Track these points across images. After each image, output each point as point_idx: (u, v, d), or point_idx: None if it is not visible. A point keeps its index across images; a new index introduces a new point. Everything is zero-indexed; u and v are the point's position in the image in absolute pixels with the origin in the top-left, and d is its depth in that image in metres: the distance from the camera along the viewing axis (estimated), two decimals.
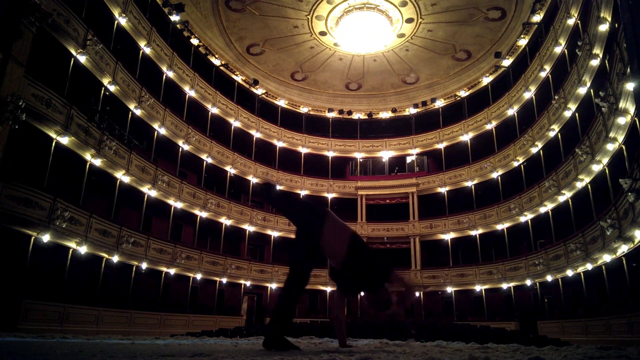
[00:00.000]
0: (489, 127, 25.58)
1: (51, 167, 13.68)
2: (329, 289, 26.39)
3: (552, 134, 19.96)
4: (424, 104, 29.49)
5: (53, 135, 13.73)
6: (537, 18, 22.01)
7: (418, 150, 29.05)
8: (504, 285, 22.90)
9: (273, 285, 25.19)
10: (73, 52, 14.78)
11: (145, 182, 18.50)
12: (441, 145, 27.97)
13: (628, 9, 2.45)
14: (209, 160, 23.57)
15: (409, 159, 29.95)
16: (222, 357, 2.82)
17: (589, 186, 16.78)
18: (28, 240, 12.92)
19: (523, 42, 23.70)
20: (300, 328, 18.12)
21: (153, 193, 19.26)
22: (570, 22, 18.00)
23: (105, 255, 16.37)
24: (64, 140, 14.10)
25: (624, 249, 14.14)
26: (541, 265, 19.90)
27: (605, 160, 15.21)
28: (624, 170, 13.13)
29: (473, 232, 24.89)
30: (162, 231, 20.32)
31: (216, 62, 25.57)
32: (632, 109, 12.39)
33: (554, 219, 19.91)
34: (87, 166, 15.55)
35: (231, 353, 3.36)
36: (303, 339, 10.32)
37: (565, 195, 18.55)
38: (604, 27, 14.08)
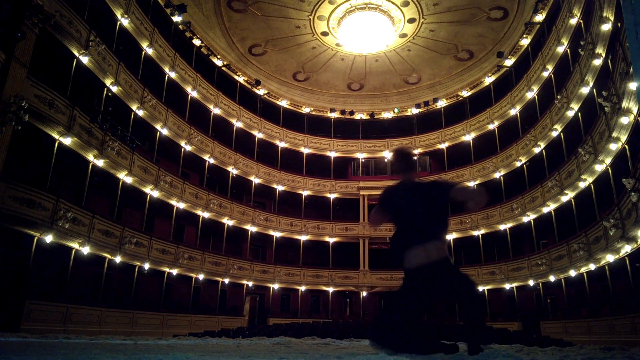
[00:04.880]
0: (491, 127, 25.53)
1: (54, 168, 13.72)
2: (331, 289, 26.39)
3: (554, 133, 19.91)
4: (426, 104, 29.45)
5: (56, 136, 13.76)
6: (539, 18, 21.96)
7: (420, 150, 29.00)
8: (507, 286, 22.85)
9: (275, 286, 25.20)
10: (75, 53, 14.81)
11: (147, 182, 18.53)
12: (443, 146, 27.93)
13: (630, 8, 2.43)
14: (211, 161, 23.59)
15: None
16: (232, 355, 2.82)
17: (592, 186, 16.73)
18: (31, 241, 12.95)
19: (525, 41, 23.65)
20: (303, 328, 18.15)
21: (155, 193, 19.29)
22: (573, 21, 17.95)
23: (108, 256, 16.39)
24: (67, 141, 14.13)
25: (627, 249, 14.09)
26: (544, 265, 19.85)
27: (608, 160, 15.16)
28: (627, 170, 13.09)
29: (475, 233, 24.84)
30: (164, 232, 20.34)
31: (218, 62, 25.60)
32: (635, 108, 12.35)
33: (556, 219, 19.85)
34: (90, 167, 15.58)
35: (234, 353, 3.36)
36: (306, 340, 10.32)
37: (568, 195, 18.50)
38: (606, 27, 14.03)
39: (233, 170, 24.85)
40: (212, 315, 21.63)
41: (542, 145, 21.05)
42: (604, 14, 13.77)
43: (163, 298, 19.24)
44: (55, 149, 13.79)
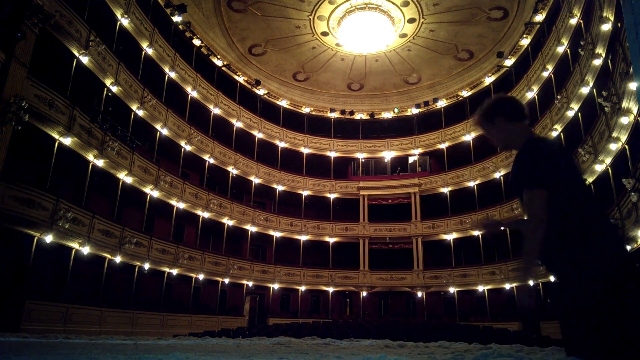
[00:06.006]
0: None
1: (54, 168, 13.72)
2: (331, 289, 26.39)
3: (554, 133, 19.89)
4: (426, 104, 29.45)
5: (56, 136, 13.76)
6: (539, 18, 21.96)
7: (420, 150, 29.01)
8: (507, 286, 22.84)
9: (275, 286, 25.19)
10: (75, 53, 14.81)
11: (147, 182, 18.52)
12: (443, 146, 27.92)
13: (630, 8, 2.43)
14: (211, 161, 23.58)
15: (411, 159, 29.91)
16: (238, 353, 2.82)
17: (592, 186, 16.70)
18: (31, 241, 12.95)
19: (525, 41, 23.64)
20: (303, 328, 18.15)
21: (155, 193, 19.28)
22: (573, 21, 17.95)
23: (108, 256, 16.39)
24: (67, 141, 14.13)
25: (627, 249, 14.07)
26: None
27: (608, 160, 15.16)
28: (627, 170, 13.09)
29: (476, 233, 24.83)
30: (164, 232, 20.34)
31: (218, 62, 25.59)
32: (635, 108, 12.35)
33: None
34: (90, 167, 15.57)
35: (234, 353, 3.36)
36: (306, 340, 10.32)
37: None
38: (606, 27, 14.03)
39: (233, 170, 24.84)
40: (212, 315, 21.62)
41: None
42: (604, 14, 13.77)
43: (163, 298, 19.24)
44: (55, 149, 13.78)
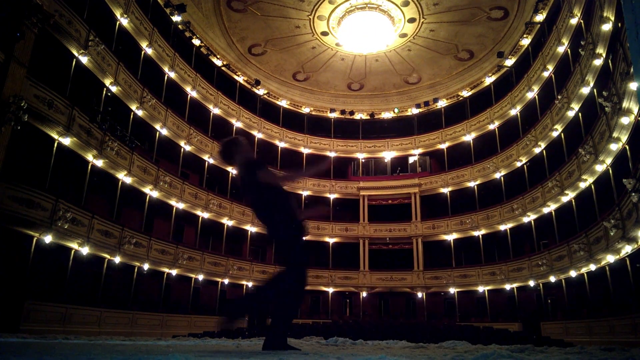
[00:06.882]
0: (491, 127, 25.50)
1: (53, 168, 13.69)
2: (331, 290, 26.36)
3: (555, 134, 19.89)
4: (427, 104, 29.42)
5: (55, 136, 13.74)
6: (539, 17, 21.94)
7: (420, 150, 28.99)
8: (507, 286, 22.82)
9: None
10: (75, 52, 14.79)
11: (147, 182, 18.50)
12: (444, 146, 27.90)
13: (631, 8, 2.41)
14: (211, 161, 23.55)
15: (411, 160, 29.89)
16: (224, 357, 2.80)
17: (593, 186, 16.70)
18: (30, 241, 12.93)
19: (526, 41, 23.62)
20: (302, 329, 18.13)
21: (155, 194, 19.26)
22: (573, 21, 17.93)
23: (107, 256, 16.37)
24: (66, 141, 14.11)
25: (627, 249, 14.07)
26: (544, 266, 19.82)
27: (608, 161, 15.14)
28: (627, 171, 13.07)
29: (476, 233, 24.82)
30: (164, 232, 20.32)
31: (218, 62, 25.57)
32: (635, 108, 12.34)
33: (557, 219, 19.82)
34: (89, 167, 15.56)
35: (233, 353, 3.34)
36: (305, 340, 10.30)
37: (569, 196, 18.47)
38: (607, 27, 14.01)
39: (233, 171, 24.80)
40: (211, 315, 21.55)
41: (543, 145, 21.03)
42: (605, 14, 13.75)
43: (162, 298, 19.22)
44: (55, 149, 13.76)
